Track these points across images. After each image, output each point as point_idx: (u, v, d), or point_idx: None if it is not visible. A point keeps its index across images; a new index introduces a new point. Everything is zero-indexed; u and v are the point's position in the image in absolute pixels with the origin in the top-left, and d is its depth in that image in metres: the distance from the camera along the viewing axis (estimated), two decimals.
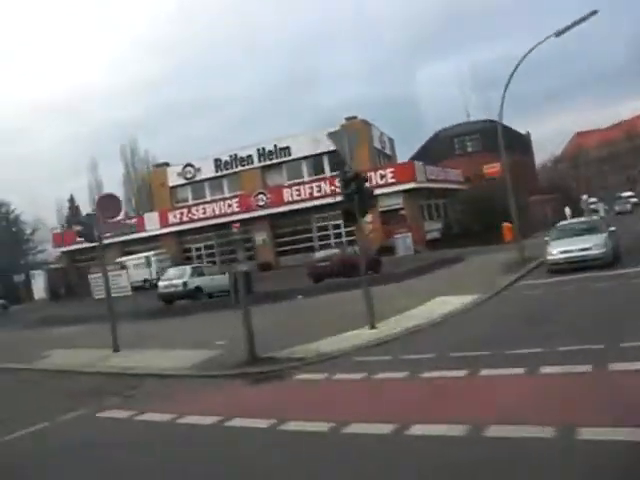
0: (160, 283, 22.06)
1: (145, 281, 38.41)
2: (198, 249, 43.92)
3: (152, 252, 39.43)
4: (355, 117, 40.41)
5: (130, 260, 40.88)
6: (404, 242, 33.40)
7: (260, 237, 41.62)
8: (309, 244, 40.25)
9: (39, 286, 46.18)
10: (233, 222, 36.74)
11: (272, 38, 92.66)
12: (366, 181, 12.57)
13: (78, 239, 47.04)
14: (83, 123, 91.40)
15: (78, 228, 13.05)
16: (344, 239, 39.60)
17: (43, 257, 65.12)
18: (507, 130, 64.67)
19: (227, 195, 43.36)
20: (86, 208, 69.36)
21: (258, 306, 19.01)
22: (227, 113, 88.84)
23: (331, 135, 12.47)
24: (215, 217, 42.18)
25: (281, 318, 15.42)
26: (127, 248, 45.30)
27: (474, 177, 47.13)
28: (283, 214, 40.33)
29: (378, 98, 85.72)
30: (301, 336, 11.95)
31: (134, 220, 46.13)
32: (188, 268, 22.90)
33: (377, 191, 38.14)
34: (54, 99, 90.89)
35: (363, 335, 11.68)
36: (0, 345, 18.15)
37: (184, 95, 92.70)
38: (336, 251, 23.73)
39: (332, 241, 39.95)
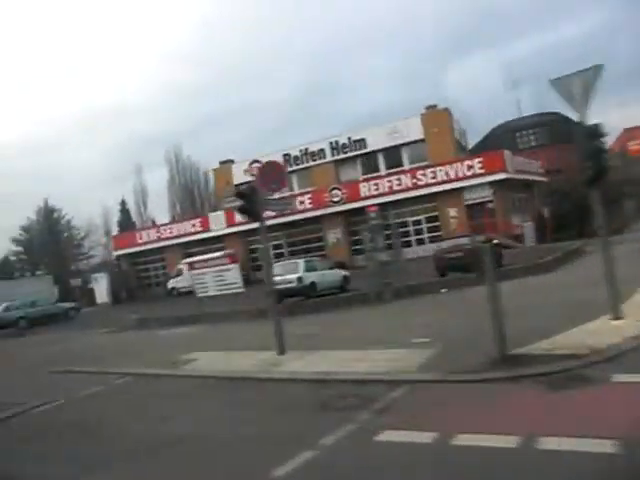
0: None
1: None
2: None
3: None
4: (435, 105, 38.02)
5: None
6: (530, 231, 30.87)
7: (333, 235, 39.41)
8: (387, 242, 37.84)
9: (101, 289, 44.48)
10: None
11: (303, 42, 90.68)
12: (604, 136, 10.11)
13: (147, 238, 45.59)
14: (122, 133, 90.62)
15: (238, 203, 10.82)
16: (425, 235, 37.25)
17: (95, 261, 64.21)
18: (568, 121, 61.79)
19: (297, 191, 41.17)
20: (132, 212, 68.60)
21: (409, 300, 16.88)
22: (259, 121, 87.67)
23: (555, 82, 10.08)
24: (285, 215, 39.97)
25: (458, 311, 13.05)
26: (188, 250, 43.51)
27: (562, 168, 44.17)
28: (358, 210, 38.01)
29: (415, 99, 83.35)
30: (519, 329, 9.57)
31: (199, 220, 44.44)
32: (301, 262, 20.54)
33: (463, 183, 35.94)
34: (95, 111, 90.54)
35: (614, 327, 9.26)
36: (114, 348, 16.10)
37: (218, 104, 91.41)
38: (465, 240, 21.15)
39: (413, 238, 37.60)
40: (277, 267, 20.74)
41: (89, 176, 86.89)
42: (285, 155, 41.68)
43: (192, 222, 44.52)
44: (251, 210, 10.68)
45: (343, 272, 22.45)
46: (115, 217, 68.11)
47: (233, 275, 18.57)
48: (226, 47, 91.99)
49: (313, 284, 19.79)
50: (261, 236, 11.64)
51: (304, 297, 19.58)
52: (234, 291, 18.42)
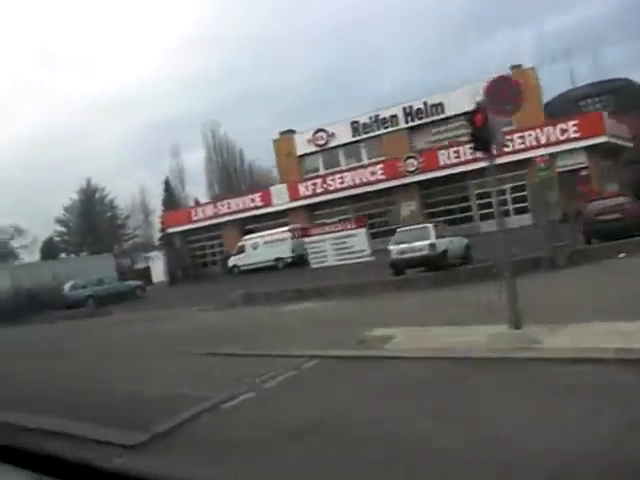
0: (393, 247, 17.24)
1: (277, 260, 34.28)
2: (332, 223, 39.42)
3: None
4: (520, 65, 35.04)
5: (258, 237, 36.89)
6: None
7: (408, 208, 36.78)
8: (466, 214, 35.25)
9: (157, 269, 42.56)
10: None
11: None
12: None
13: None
14: (154, 115, 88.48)
15: (474, 131, 8.41)
16: (510, 207, 34.44)
17: (139, 241, 62.67)
18: (636, 87, 58.13)
19: (365, 162, 38.54)
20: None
21: (588, 265, 14.35)
22: (280, 103, 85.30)
23: None
24: (354, 187, 37.47)
25: None
26: (247, 226, 41.23)
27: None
28: (435, 180, 35.31)
29: (458, 74, 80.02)
30: None
31: (259, 194, 42.01)
32: (430, 227, 17.97)
33: (556, 148, 33.06)
34: (125, 94, 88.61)
35: None
36: (242, 326, 13.84)
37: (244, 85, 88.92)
38: (622, 199, 18.33)
39: (495, 209, 34.82)
40: (399, 234, 18.25)
41: (127, 158, 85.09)
42: (353, 123, 39.10)
43: (252, 196, 42.10)
44: (485, 138, 8.21)
45: (465, 240, 19.83)
46: (155, 198, 66.41)
47: (360, 241, 16.14)
48: (248, 31, 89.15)
49: (445, 252, 17.23)
50: (490, 176, 9.18)
51: (431, 268, 17.04)
52: (361, 259, 15.99)
